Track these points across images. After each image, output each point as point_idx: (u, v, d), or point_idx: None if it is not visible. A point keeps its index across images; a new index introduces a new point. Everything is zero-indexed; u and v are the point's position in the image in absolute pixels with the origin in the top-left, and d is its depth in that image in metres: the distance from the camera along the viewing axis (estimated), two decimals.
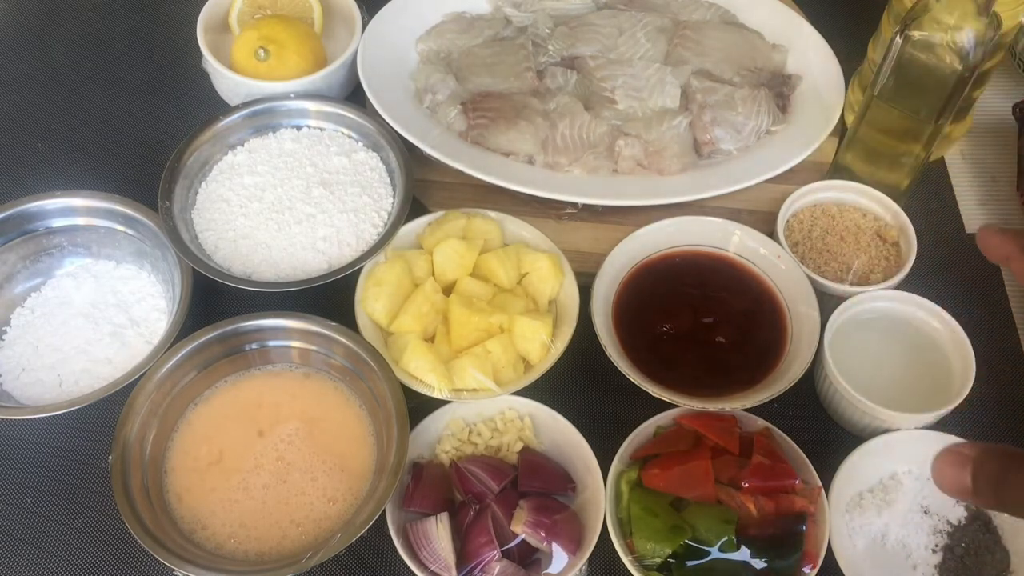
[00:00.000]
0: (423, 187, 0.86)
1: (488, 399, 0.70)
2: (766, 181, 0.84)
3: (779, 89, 0.91)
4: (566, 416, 0.70)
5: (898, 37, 0.73)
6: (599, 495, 0.66)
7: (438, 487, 0.68)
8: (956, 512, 0.69)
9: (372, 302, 0.73)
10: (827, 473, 0.68)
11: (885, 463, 0.71)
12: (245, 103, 0.87)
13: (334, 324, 0.72)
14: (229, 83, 0.91)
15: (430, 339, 0.74)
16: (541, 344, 0.72)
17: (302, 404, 0.72)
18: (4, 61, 1.02)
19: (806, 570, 0.63)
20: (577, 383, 0.76)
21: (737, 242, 0.80)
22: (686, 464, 0.66)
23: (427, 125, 0.87)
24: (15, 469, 0.74)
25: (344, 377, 0.73)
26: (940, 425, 0.71)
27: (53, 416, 0.68)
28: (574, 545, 0.64)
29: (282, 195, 0.82)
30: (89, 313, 0.77)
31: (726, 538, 0.63)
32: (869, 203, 0.82)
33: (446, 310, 0.74)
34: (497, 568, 0.63)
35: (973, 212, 0.90)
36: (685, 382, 0.71)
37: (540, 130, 0.86)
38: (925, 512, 0.69)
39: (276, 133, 0.87)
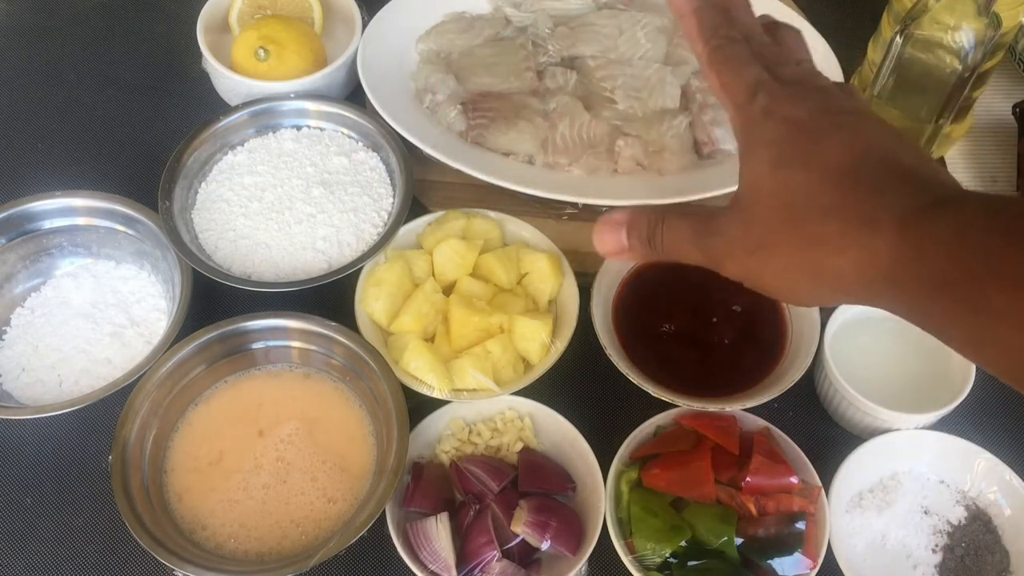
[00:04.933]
0: (423, 187, 0.86)
1: (488, 399, 0.70)
2: None
3: None
4: (566, 416, 0.70)
5: (898, 37, 0.73)
6: (599, 495, 0.66)
7: (438, 487, 0.68)
8: (956, 512, 0.70)
9: (372, 302, 0.74)
10: (827, 473, 0.68)
11: (885, 463, 0.71)
12: (245, 103, 0.87)
13: (334, 324, 0.72)
14: (229, 83, 0.91)
15: (430, 339, 0.74)
16: (541, 344, 0.72)
17: (302, 404, 0.72)
18: (4, 61, 1.02)
19: (806, 570, 0.64)
20: (577, 383, 0.76)
21: None
22: (686, 464, 0.66)
23: (427, 125, 0.87)
24: (15, 469, 0.74)
25: (344, 377, 0.73)
26: (940, 425, 0.71)
27: (53, 416, 0.68)
28: (574, 545, 0.64)
29: (282, 195, 0.82)
30: (89, 313, 0.77)
31: (726, 538, 0.63)
32: None
33: (446, 310, 0.74)
34: (497, 568, 0.63)
35: None
36: (685, 382, 0.71)
37: (540, 130, 0.86)
38: (925, 512, 0.69)
39: (276, 133, 0.87)
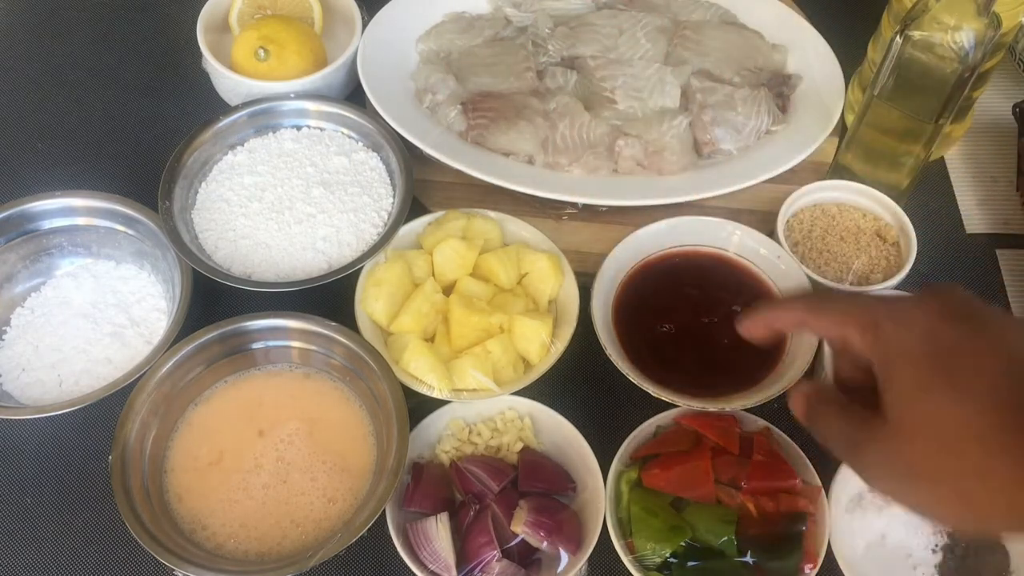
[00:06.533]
0: (423, 187, 0.86)
1: (488, 399, 0.70)
2: (766, 181, 0.84)
3: (779, 89, 0.91)
4: (566, 416, 0.70)
5: (898, 37, 0.73)
6: (599, 495, 0.66)
7: (438, 487, 0.68)
8: None
9: (372, 302, 0.74)
10: (827, 473, 0.68)
11: None
12: (245, 103, 0.87)
13: (334, 324, 0.72)
14: (229, 83, 0.91)
15: (430, 339, 0.74)
16: (541, 344, 0.72)
17: (302, 404, 0.72)
18: (4, 61, 1.02)
19: (806, 570, 0.64)
20: (577, 383, 0.76)
21: (737, 242, 0.80)
22: (686, 464, 0.66)
23: (427, 125, 0.87)
24: (15, 469, 0.74)
25: (344, 377, 0.73)
26: None
27: (53, 416, 0.68)
28: (574, 545, 0.64)
29: (282, 195, 0.82)
30: (89, 313, 0.77)
31: (726, 538, 0.63)
32: (869, 203, 0.82)
33: (446, 310, 0.74)
34: (497, 568, 0.63)
35: (973, 212, 0.90)
36: (685, 382, 0.71)
37: (540, 130, 0.86)
38: None
39: (276, 133, 0.87)
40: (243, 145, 0.86)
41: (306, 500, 0.67)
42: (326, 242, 0.79)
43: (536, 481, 0.68)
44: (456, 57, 0.93)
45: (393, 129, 0.84)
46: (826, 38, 0.94)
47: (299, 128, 0.88)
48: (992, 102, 0.97)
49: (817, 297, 0.52)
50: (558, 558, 0.65)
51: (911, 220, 0.80)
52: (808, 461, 0.68)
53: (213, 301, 0.77)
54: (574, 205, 0.84)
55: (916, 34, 0.72)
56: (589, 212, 0.84)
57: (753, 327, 0.56)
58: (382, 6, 0.95)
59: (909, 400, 0.44)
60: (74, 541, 0.70)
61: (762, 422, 0.71)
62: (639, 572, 0.63)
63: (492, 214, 0.81)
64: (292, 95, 0.88)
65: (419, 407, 0.70)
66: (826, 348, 0.72)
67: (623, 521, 0.66)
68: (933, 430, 0.42)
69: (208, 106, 0.94)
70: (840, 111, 0.88)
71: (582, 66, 0.92)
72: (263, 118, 0.87)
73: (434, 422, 0.71)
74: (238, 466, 0.68)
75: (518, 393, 0.70)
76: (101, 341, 0.76)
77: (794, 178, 0.85)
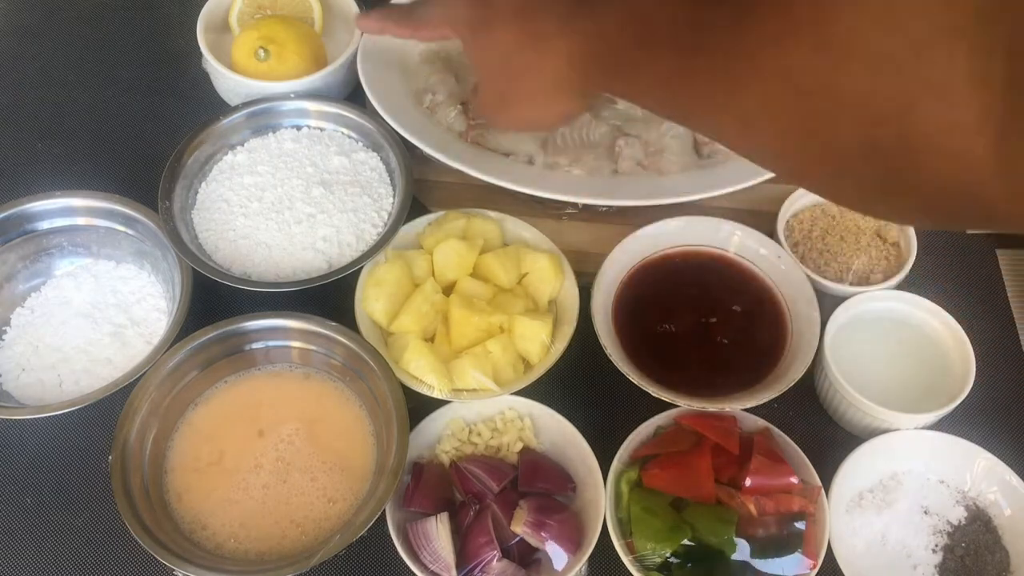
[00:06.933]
0: (423, 187, 0.86)
1: (488, 399, 0.70)
2: (766, 181, 0.84)
3: None
4: (566, 416, 0.70)
5: None
6: (599, 495, 0.66)
7: (438, 487, 0.68)
8: (956, 512, 0.70)
9: (372, 302, 0.73)
10: (827, 473, 0.68)
11: (885, 463, 0.71)
12: (245, 103, 0.87)
13: (334, 324, 0.72)
14: (229, 83, 0.91)
15: (430, 339, 0.74)
16: (541, 344, 0.72)
17: (302, 404, 0.72)
18: (4, 61, 1.02)
19: (806, 570, 0.64)
20: (577, 383, 0.76)
21: (737, 242, 0.80)
22: (686, 464, 0.66)
23: (427, 125, 0.87)
24: (15, 469, 0.74)
25: (344, 377, 0.73)
26: (940, 425, 0.71)
27: (53, 416, 0.68)
28: (574, 545, 0.64)
29: (282, 195, 0.82)
30: (89, 313, 0.77)
31: (726, 538, 0.63)
32: None
33: (446, 310, 0.74)
34: (497, 568, 0.63)
35: None
36: (685, 382, 0.71)
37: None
38: (925, 512, 0.69)
39: (276, 133, 0.87)
40: (243, 145, 0.86)
41: (306, 500, 0.67)
42: (326, 242, 0.79)
43: (536, 481, 0.68)
44: (456, 57, 0.93)
45: (393, 129, 0.84)
46: None
47: (299, 128, 0.88)
48: None
49: (417, 14, 0.69)
50: (558, 558, 0.65)
51: None
52: (808, 461, 0.68)
53: (213, 301, 0.77)
54: (574, 205, 0.84)
55: None
56: (589, 212, 0.84)
57: (367, 24, 0.74)
58: (382, 6, 0.94)
59: (477, 54, 0.62)
60: (74, 541, 0.70)
61: (762, 422, 0.71)
62: (639, 572, 0.63)
63: (492, 214, 0.81)
64: (292, 95, 0.88)
65: (419, 407, 0.70)
66: (827, 350, 0.72)
67: (623, 521, 0.66)
68: (498, 61, 0.60)
69: (208, 106, 0.94)
70: None
71: None
72: (263, 118, 0.87)
73: (434, 422, 0.71)
74: (238, 466, 0.68)
75: (518, 393, 0.70)
76: (101, 341, 0.76)
77: None
